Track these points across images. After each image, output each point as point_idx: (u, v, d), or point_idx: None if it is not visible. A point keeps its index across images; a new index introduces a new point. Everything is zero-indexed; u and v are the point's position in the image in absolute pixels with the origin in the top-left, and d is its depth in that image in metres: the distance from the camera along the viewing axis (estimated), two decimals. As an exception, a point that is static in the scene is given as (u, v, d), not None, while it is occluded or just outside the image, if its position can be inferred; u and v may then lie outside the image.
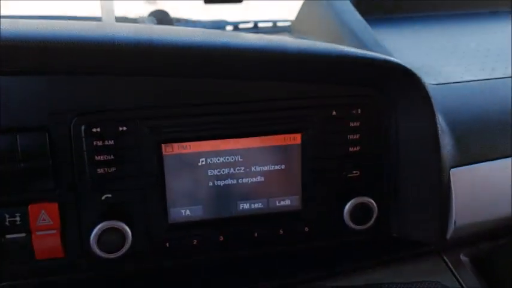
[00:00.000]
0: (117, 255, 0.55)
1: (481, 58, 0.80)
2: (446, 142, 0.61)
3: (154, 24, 0.97)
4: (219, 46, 0.53)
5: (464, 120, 0.65)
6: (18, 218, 0.53)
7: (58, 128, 0.54)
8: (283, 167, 0.60)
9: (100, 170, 0.55)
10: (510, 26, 0.93)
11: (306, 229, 0.62)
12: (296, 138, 0.60)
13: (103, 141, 0.55)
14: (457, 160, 0.62)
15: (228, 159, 0.59)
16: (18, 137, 0.52)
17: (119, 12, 0.96)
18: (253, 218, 0.61)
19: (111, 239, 0.55)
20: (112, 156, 0.55)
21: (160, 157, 0.57)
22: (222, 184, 0.59)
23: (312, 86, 0.60)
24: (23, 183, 0.53)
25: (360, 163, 0.62)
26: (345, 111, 0.61)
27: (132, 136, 0.56)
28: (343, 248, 0.64)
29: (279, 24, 1.07)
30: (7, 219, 0.53)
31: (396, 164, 0.63)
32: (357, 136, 0.62)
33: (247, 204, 0.60)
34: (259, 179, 0.60)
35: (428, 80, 0.69)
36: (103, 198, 0.56)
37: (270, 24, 1.07)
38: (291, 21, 1.05)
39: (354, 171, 0.62)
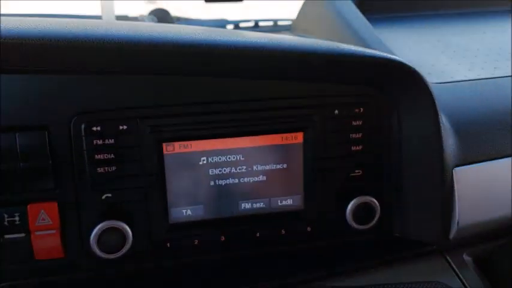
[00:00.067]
0: (118, 255, 0.55)
1: (482, 57, 0.79)
2: (449, 141, 0.61)
3: (155, 23, 0.96)
4: (220, 44, 0.52)
5: (467, 118, 0.64)
6: (17, 218, 0.53)
7: (58, 126, 0.54)
8: (285, 166, 0.60)
9: (100, 169, 0.55)
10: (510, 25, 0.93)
11: (308, 229, 0.62)
12: (298, 137, 0.59)
13: (103, 140, 0.55)
14: (460, 159, 0.62)
15: (229, 158, 0.58)
16: (17, 136, 0.52)
17: (119, 12, 0.95)
18: (254, 217, 0.60)
19: (111, 239, 0.54)
20: (112, 155, 0.55)
21: (161, 156, 0.56)
22: (223, 183, 0.59)
23: (314, 85, 0.60)
24: (22, 182, 0.53)
25: (363, 162, 0.62)
26: (347, 110, 0.61)
27: (132, 135, 0.55)
28: (346, 247, 0.64)
29: (280, 23, 1.07)
30: (6, 219, 0.53)
31: (399, 163, 0.63)
32: (359, 135, 0.61)
33: (249, 204, 0.60)
34: (261, 178, 0.60)
35: (431, 78, 0.68)
36: (103, 197, 0.56)
37: (270, 23, 1.07)
38: (291, 20, 1.05)
39: (357, 171, 0.62)
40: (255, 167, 0.59)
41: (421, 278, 0.61)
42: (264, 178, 0.60)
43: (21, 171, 0.53)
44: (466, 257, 0.67)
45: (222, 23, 1.05)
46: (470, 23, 0.97)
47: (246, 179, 0.59)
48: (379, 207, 0.61)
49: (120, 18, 0.96)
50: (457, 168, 0.61)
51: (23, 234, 0.54)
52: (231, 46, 0.52)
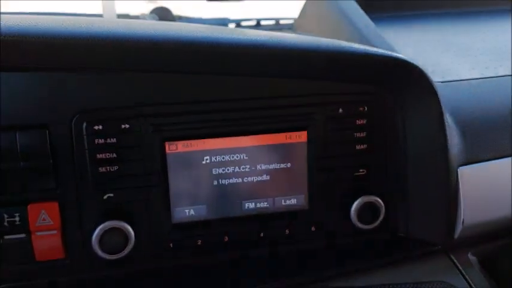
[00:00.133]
0: (120, 256, 0.54)
1: (484, 56, 0.79)
2: (454, 140, 0.61)
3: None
4: (222, 42, 0.52)
5: (472, 117, 0.64)
6: (17, 218, 0.53)
7: (59, 125, 0.53)
8: (289, 165, 0.59)
9: (102, 169, 0.55)
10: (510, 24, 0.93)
11: (313, 229, 0.62)
12: (302, 136, 0.59)
13: (105, 139, 0.54)
14: (466, 158, 0.62)
15: (232, 157, 0.58)
16: (17, 135, 0.51)
17: (120, 11, 0.95)
18: (258, 217, 0.60)
19: (113, 239, 0.54)
20: (114, 155, 0.55)
21: (163, 155, 0.56)
22: (226, 183, 0.58)
23: (318, 84, 0.59)
24: (22, 182, 0.52)
25: (367, 161, 0.62)
26: (351, 109, 0.60)
27: (134, 134, 0.55)
28: (350, 247, 0.63)
29: (282, 22, 1.07)
30: (6, 220, 0.52)
31: (403, 163, 0.62)
32: (363, 134, 0.61)
33: (253, 204, 0.60)
34: (265, 177, 0.59)
35: (434, 77, 0.68)
36: (105, 197, 0.55)
37: (272, 22, 1.07)
38: (294, 19, 1.04)
39: (361, 170, 0.62)
40: (258, 167, 0.59)
41: (426, 277, 0.61)
42: (268, 177, 0.59)
43: (22, 170, 0.52)
44: (471, 257, 0.67)
45: (223, 22, 1.05)
46: (471, 23, 0.97)
47: (249, 179, 0.59)
48: (383, 207, 0.61)
49: (121, 17, 0.96)
50: (462, 168, 0.61)
51: (23, 235, 0.53)
52: (233, 44, 0.52)
